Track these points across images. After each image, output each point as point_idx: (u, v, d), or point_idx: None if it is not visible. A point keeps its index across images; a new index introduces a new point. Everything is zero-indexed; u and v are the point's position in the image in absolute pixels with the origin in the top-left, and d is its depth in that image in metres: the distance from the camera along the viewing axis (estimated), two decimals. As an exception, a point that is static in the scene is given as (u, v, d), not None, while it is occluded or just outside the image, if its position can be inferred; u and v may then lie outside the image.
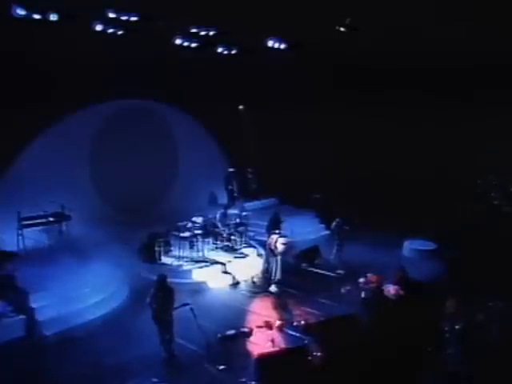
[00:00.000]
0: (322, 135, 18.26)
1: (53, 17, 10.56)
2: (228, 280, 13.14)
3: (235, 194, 18.42)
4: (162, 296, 9.14)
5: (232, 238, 14.57)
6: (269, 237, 13.27)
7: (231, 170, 18.53)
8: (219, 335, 9.49)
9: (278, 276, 12.85)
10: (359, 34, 12.09)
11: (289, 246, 13.06)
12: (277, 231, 13.65)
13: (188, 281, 12.68)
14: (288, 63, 14.76)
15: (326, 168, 17.86)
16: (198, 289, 12.46)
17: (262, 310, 11.53)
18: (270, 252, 12.99)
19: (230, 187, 18.42)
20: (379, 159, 18.49)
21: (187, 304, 9.13)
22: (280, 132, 17.49)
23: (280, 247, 12.83)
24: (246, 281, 13.28)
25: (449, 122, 17.85)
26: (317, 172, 17.42)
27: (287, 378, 7.76)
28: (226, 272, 13.30)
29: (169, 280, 9.57)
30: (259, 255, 14.19)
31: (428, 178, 17.54)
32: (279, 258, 12.89)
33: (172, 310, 9.14)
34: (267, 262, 13.15)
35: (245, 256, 14.20)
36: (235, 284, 13.10)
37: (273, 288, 12.67)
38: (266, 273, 13.12)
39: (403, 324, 8.82)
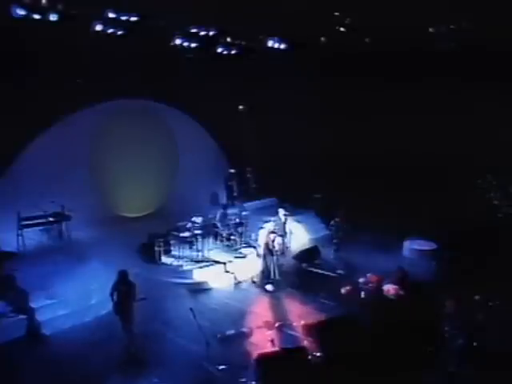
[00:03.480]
0: (322, 135, 18.23)
1: (53, 17, 10.55)
2: (228, 280, 13.16)
3: (235, 194, 18.45)
4: (122, 290, 9.47)
5: (232, 237, 14.59)
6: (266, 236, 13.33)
7: (232, 171, 18.55)
8: (219, 335, 9.50)
9: (276, 276, 12.91)
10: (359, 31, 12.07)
11: (284, 246, 13.18)
12: (277, 230, 13.72)
13: (188, 281, 12.70)
14: (288, 63, 14.77)
15: (326, 167, 17.83)
16: (198, 289, 12.48)
17: (262, 310, 11.55)
18: (268, 251, 13.03)
19: (229, 187, 18.47)
20: (379, 159, 18.46)
21: (144, 298, 9.58)
22: (280, 132, 17.48)
23: (277, 246, 12.96)
24: (245, 281, 13.30)
25: (448, 122, 17.82)
26: (317, 171, 17.40)
27: (287, 378, 7.77)
28: (225, 272, 13.31)
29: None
30: (259, 255, 14.20)
31: (428, 178, 17.51)
32: (275, 257, 12.99)
33: (132, 304, 9.46)
34: (265, 261, 13.20)
35: (245, 256, 14.22)
36: (235, 284, 13.12)
37: (269, 287, 12.70)
38: (265, 272, 13.16)
39: (403, 324, 8.82)
